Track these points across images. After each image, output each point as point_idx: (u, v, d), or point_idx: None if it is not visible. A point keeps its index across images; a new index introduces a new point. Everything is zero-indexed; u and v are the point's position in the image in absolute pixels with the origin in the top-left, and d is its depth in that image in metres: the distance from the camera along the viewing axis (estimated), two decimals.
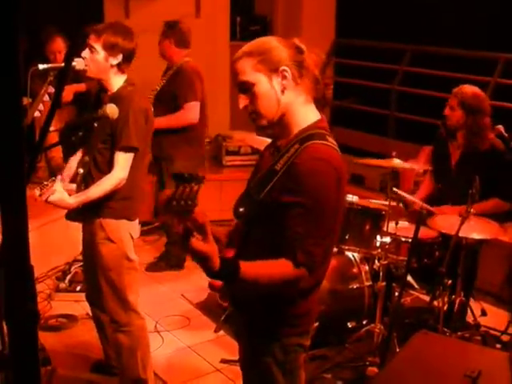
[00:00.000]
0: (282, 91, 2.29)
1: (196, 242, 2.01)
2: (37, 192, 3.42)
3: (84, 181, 3.63)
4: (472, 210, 3.85)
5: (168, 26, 5.62)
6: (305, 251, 2.20)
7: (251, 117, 2.36)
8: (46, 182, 3.46)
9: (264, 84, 2.28)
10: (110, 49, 3.49)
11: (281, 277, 2.23)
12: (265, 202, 2.29)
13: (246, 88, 2.30)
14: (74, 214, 3.67)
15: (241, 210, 2.38)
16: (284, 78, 2.28)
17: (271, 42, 2.33)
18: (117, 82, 3.58)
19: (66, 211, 3.67)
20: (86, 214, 3.64)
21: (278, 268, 2.21)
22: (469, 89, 4.44)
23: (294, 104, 2.32)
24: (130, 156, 3.53)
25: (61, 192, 3.45)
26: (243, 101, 2.33)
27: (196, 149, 5.63)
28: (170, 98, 5.46)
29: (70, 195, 3.52)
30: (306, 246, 2.20)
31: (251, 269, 2.17)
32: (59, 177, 3.55)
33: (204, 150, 5.87)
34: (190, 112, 5.46)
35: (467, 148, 4.46)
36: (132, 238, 3.72)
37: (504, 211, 4.41)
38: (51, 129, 3.96)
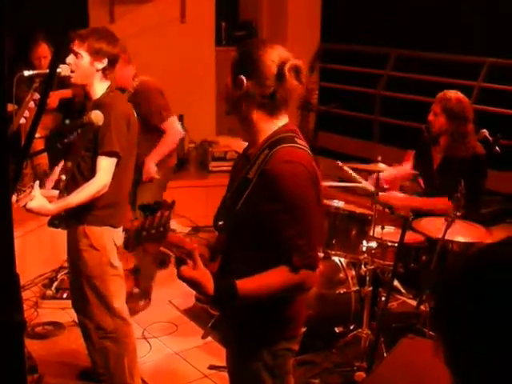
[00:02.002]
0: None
1: (185, 269, 2.09)
2: (14, 198, 3.35)
3: (67, 187, 3.59)
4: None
5: None
6: (300, 253, 2.20)
7: None
8: (23, 188, 3.34)
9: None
10: (95, 53, 3.48)
11: (282, 285, 2.23)
12: (242, 212, 2.29)
13: None
14: (56, 221, 3.63)
15: (220, 223, 2.38)
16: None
17: (256, 50, 2.29)
18: (100, 88, 3.57)
19: (48, 218, 3.64)
20: (70, 221, 3.61)
21: (277, 278, 2.22)
22: (453, 94, 4.41)
23: (258, 118, 2.33)
24: (112, 161, 3.51)
25: (40, 198, 3.36)
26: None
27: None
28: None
29: (50, 202, 3.45)
30: (300, 247, 2.21)
31: (249, 285, 2.19)
32: (37, 182, 3.45)
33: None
34: (174, 128, 5.12)
35: (448, 153, 4.46)
36: (116, 245, 3.69)
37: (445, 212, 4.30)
38: (36, 135, 3.93)
